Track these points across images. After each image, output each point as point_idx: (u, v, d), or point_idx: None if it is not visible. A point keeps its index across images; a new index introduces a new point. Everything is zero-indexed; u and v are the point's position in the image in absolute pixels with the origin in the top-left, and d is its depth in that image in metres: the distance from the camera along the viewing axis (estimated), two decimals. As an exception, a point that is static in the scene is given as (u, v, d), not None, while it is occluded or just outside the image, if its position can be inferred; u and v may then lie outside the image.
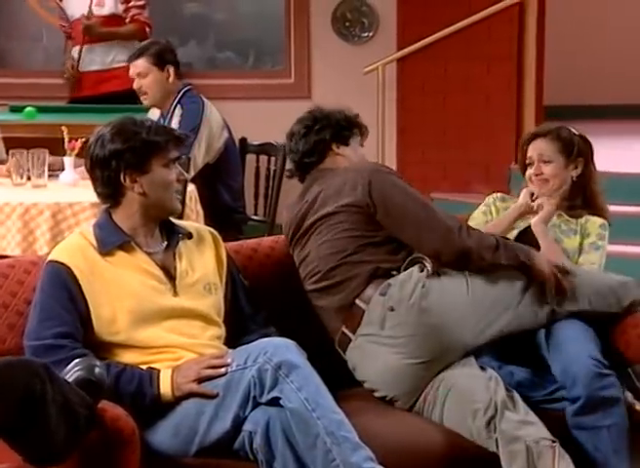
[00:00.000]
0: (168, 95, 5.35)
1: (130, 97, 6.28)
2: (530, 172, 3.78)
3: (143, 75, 5.32)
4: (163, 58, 5.34)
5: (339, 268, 3.28)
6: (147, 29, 6.50)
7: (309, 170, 3.48)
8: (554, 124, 3.88)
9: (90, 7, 6.40)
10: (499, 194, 3.90)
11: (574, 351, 3.21)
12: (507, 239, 3.43)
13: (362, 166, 3.43)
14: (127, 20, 6.48)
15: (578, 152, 3.76)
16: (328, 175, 3.40)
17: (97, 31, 6.43)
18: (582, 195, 3.78)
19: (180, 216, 4.62)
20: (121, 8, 6.46)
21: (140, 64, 5.32)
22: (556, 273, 3.29)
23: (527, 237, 3.65)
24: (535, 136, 3.82)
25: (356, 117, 3.55)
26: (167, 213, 3.14)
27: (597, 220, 3.73)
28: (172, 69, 5.35)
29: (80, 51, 6.50)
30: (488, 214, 3.81)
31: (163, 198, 3.10)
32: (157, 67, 5.32)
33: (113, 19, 6.48)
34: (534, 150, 3.78)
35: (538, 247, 3.59)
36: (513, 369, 3.37)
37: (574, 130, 3.82)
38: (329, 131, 3.47)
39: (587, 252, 3.67)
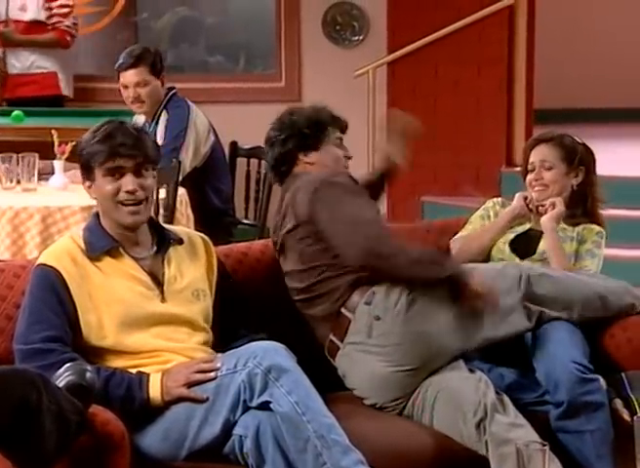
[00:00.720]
0: (159, 101, 5.31)
1: (48, 103, 6.24)
2: (530, 177, 3.76)
3: (143, 84, 5.19)
4: (158, 66, 5.28)
5: (319, 284, 3.25)
6: (69, 38, 6.37)
7: (284, 177, 3.43)
8: (558, 130, 3.85)
9: (7, 12, 6.30)
10: (499, 199, 3.86)
11: (557, 355, 3.20)
12: (447, 252, 3.38)
13: (310, 179, 3.31)
14: (49, 28, 6.35)
15: (580, 161, 3.74)
16: (296, 182, 3.34)
17: (14, 39, 6.33)
18: (583, 204, 3.76)
19: (171, 221, 4.63)
20: (44, 14, 6.32)
21: (140, 74, 5.19)
22: (484, 295, 3.12)
23: (524, 241, 3.65)
24: (538, 142, 3.79)
25: (328, 115, 3.43)
26: (117, 224, 3.04)
27: (594, 228, 3.71)
28: (164, 77, 5.32)
29: (3, 52, 6.40)
30: (485, 219, 3.78)
31: (108, 208, 3.02)
32: (154, 76, 5.23)
33: (35, 25, 6.35)
34: (536, 156, 3.75)
35: (534, 251, 3.62)
36: (503, 371, 3.37)
37: (577, 138, 3.81)
38: (292, 141, 3.39)
39: (584, 258, 3.65)
